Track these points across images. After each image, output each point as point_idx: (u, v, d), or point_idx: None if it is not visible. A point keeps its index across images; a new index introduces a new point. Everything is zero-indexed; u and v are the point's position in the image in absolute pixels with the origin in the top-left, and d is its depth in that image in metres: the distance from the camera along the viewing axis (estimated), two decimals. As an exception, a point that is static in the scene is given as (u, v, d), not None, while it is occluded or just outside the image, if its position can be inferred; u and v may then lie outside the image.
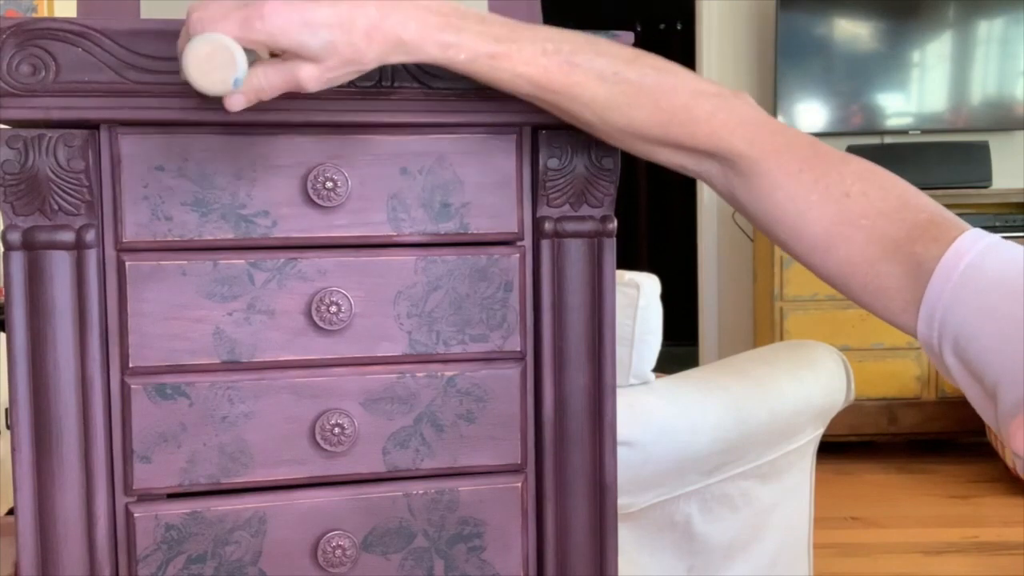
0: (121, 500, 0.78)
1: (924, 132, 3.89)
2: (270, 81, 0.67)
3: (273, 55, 0.68)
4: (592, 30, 0.80)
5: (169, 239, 0.76)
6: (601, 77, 0.72)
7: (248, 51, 0.65)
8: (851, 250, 0.73)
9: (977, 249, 0.69)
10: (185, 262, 0.76)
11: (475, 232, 0.81)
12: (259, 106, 0.75)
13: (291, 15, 0.65)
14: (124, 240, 0.76)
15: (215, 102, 0.76)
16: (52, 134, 0.73)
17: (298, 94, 0.75)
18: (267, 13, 0.64)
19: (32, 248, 0.74)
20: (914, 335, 0.72)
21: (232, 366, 0.78)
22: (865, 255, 0.73)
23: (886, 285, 0.73)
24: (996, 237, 0.71)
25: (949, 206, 0.75)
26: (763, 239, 3.73)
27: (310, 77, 0.67)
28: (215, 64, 0.63)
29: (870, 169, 0.75)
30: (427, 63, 0.70)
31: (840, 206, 0.73)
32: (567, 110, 0.74)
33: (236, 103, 0.67)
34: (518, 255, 0.83)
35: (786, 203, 0.75)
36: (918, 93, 3.92)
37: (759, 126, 0.75)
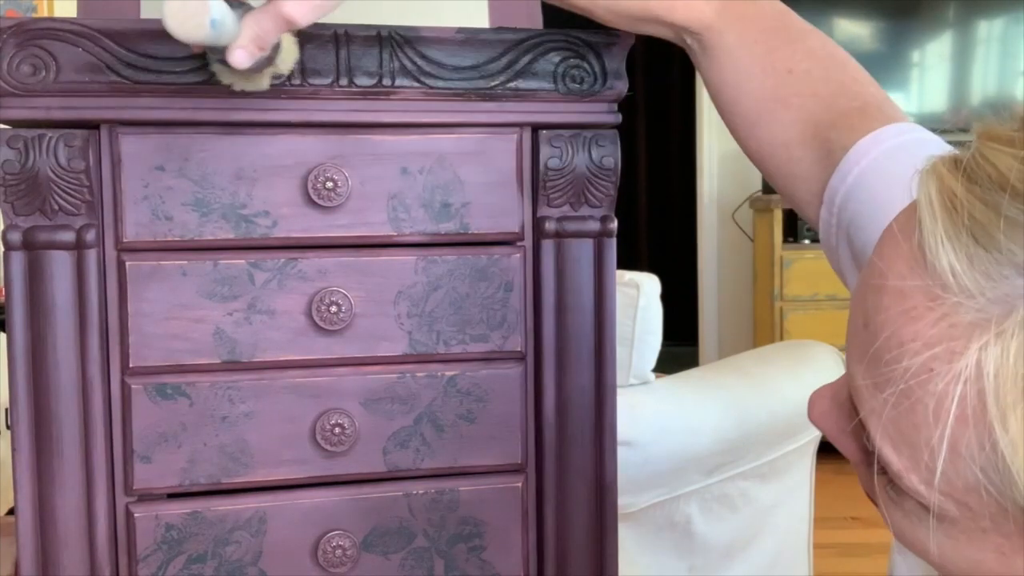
0: (121, 500, 0.78)
1: (924, 132, 3.89)
2: (263, 26, 0.64)
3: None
4: (592, 30, 0.80)
5: (169, 239, 0.76)
6: None
7: (236, 2, 0.63)
8: (775, 129, 0.71)
9: (900, 141, 0.65)
10: (185, 262, 0.76)
11: (475, 232, 0.81)
12: (259, 106, 0.76)
13: None
14: (124, 240, 0.76)
15: (216, 102, 0.76)
16: (52, 134, 0.73)
17: (300, 92, 0.75)
18: None
19: (32, 248, 0.74)
20: (817, 227, 0.70)
21: (232, 366, 0.78)
22: (787, 136, 0.70)
23: (797, 171, 0.71)
24: (931, 136, 0.67)
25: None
26: (763, 239, 3.73)
27: (298, 11, 0.64)
28: (189, 11, 0.61)
29: (826, 49, 0.72)
30: None
31: (778, 81, 0.71)
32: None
33: (239, 58, 0.64)
34: (518, 255, 0.83)
35: (731, 74, 0.73)
36: (918, 93, 3.93)
37: None
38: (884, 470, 0.42)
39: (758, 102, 0.72)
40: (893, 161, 0.64)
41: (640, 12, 0.73)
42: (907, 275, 0.40)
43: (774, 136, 0.71)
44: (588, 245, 0.83)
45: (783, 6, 0.74)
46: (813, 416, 0.50)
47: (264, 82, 0.71)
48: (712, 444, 1.64)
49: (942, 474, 0.39)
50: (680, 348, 4.17)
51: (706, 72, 0.75)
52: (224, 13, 0.62)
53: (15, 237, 0.73)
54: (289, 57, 0.71)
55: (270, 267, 0.78)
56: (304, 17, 0.64)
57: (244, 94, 0.74)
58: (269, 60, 0.68)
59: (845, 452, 0.48)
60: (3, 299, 0.76)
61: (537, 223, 0.83)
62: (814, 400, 0.50)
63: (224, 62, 0.65)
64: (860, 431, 0.44)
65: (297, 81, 0.75)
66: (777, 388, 1.78)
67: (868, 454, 0.44)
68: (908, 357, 0.39)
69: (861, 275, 0.45)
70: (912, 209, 0.42)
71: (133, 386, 0.76)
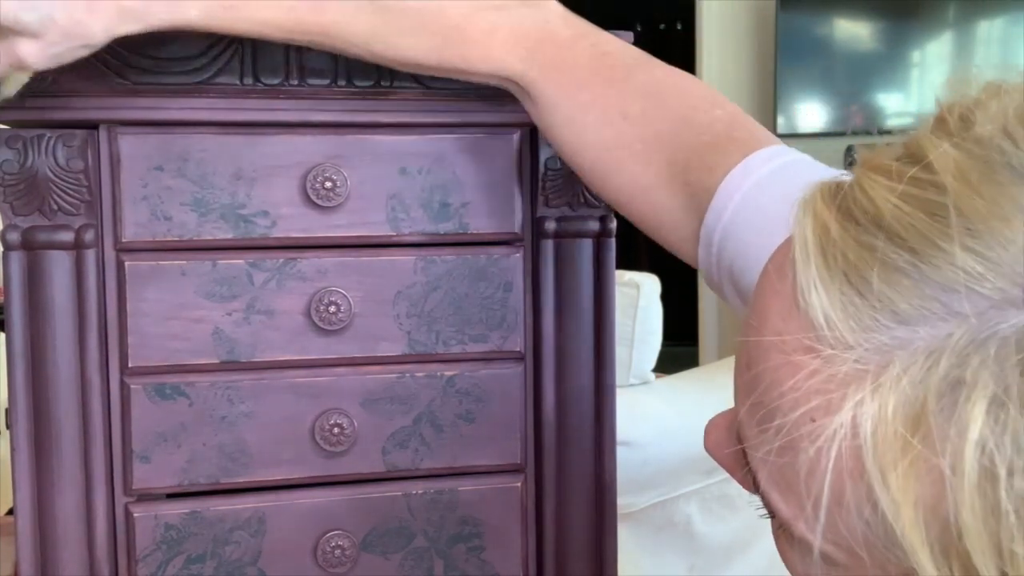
0: (121, 500, 0.78)
1: (924, 132, 3.89)
2: None
3: None
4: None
5: (168, 239, 0.76)
6: (358, 8, 0.66)
7: None
8: (624, 178, 0.66)
9: (769, 168, 0.61)
10: (184, 262, 0.76)
11: (475, 232, 0.81)
12: (258, 106, 0.76)
13: None
14: (123, 240, 0.75)
15: (216, 102, 0.76)
16: (51, 134, 0.73)
17: (299, 93, 0.75)
18: None
19: (31, 248, 0.74)
20: (696, 266, 0.66)
21: (232, 366, 0.78)
22: (640, 183, 0.66)
23: (664, 217, 0.66)
24: (803, 157, 0.62)
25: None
26: (763, 239, 3.72)
27: (30, 53, 0.62)
28: None
29: (658, 83, 0.67)
30: (159, 29, 0.64)
31: (616, 129, 0.66)
32: (332, 48, 0.68)
33: None
34: (518, 255, 0.83)
35: (563, 126, 0.68)
36: (918, 93, 3.93)
37: (540, 41, 0.67)
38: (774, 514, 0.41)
39: (602, 153, 0.67)
40: (766, 193, 0.60)
41: (434, 62, 0.69)
42: (784, 322, 0.38)
43: (626, 185, 0.67)
44: (587, 245, 0.83)
45: (601, 43, 0.68)
46: (708, 445, 0.48)
47: None
48: (712, 444, 1.64)
49: (829, 525, 0.37)
50: (680, 348, 4.17)
51: (537, 122, 0.71)
52: None
53: (14, 237, 0.73)
54: (14, 85, 0.69)
55: (269, 267, 0.78)
56: (40, 63, 0.63)
57: (243, 94, 0.74)
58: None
59: (741, 484, 0.46)
60: (2, 299, 0.76)
61: (536, 223, 0.82)
62: (710, 429, 0.48)
63: None
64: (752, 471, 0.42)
65: (296, 81, 0.75)
66: (777, 388, 1.78)
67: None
68: (785, 411, 0.37)
69: (747, 315, 0.42)
70: (787, 247, 0.39)
71: (132, 386, 0.76)
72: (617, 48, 0.68)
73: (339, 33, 0.66)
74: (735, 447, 0.43)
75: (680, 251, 0.67)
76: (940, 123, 0.38)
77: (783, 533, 0.42)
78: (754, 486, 0.42)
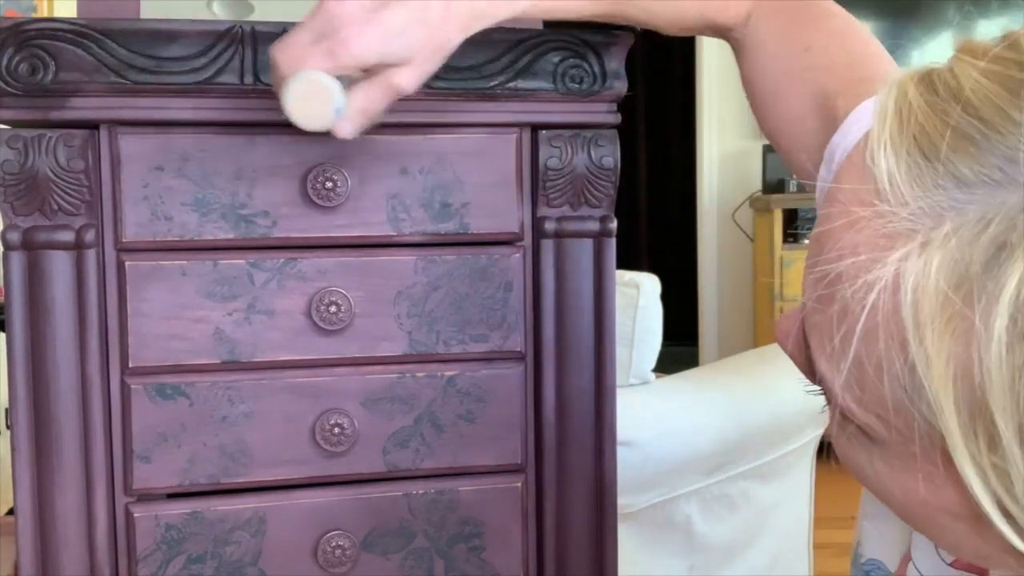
0: (121, 500, 0.78)
1: (924, 132, 3.89)
2: (371, 98, 0.67)
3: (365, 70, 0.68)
4: (592, 30, 0.80)
5: (169, 239, 0.76)
6: None
7: (341, 77, 0.65)
8: (790, 104, 0.72)
9: None
10: (185, 262, 0.76)
11: (475, 232, 0.81)
12: (259, 106, 0.76)
13: (371, 33, 0.64)
14: (124, 240, 0.75)
15: (216, 102, 0.76)
16: (52, 134, 0.73)
17: None
18: (347, 38, 0.64)
19: (32, 248, 0.74)
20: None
21: (232, 366, 0.78)
22: (799, 108, 0.71)
23: (804, 142, 0.70)
24: None
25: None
26: (763, 239, 3.73)
27: (407, 80, 0.66)
28: (314, 101, 0.64)
29: (847, 26, 0.73)
30: (504, 19, 0.70)
31: (795, 59, 0.72)
32: (623, 16, 0.75)
33: (344, 130, 0.67)
34: (518, 255, 0.83)
35: (758, 58, 0.75)
36: (918, 93, 3.92)
37: None
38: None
39: (775, 79, 0.73)
40: None
41: (696, 21, 0.76)
42: (853, 183, 0.39)
43: (790, 110, 0.72)
44: (588, 245, 0.83)
45: None
46: (778, 336, 0.48)
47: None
48: (712, 444, 1.64)
49: (869, 392, 0.38)
50: (680, 348, 4.17)
51: (741, 63, 0.77)
52: (343, 98, 0.64)
53: (14, 237, 0.73)
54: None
55: (270, 267, 0.78)
56: (415, 86, 0.67)
57: (243, 94, 0.74)
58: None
59: (805, 375, 0.46)
60: (2, 299, 0.76)
61: (537, 223, 0.82)
62: (781, 320, 0.48)
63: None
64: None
65: (297, 81, 0.75)
66: (777, 388, 1.78)
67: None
68: (837, 261, 0.38)
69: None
70: None
71: (133, 386, 0.76)
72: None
73: (636, 10, 0.74)
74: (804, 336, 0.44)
75: (810, 177, 0.71)
76: None
77: (839, 424, 0.42)
78: (810, 366, 0.43)
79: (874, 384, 0.38)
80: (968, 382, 0.35)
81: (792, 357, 0.47)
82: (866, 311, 0.37)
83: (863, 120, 0.64)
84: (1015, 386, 0.34)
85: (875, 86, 0.65)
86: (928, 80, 0.39)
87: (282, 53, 0.65)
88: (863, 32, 0.73)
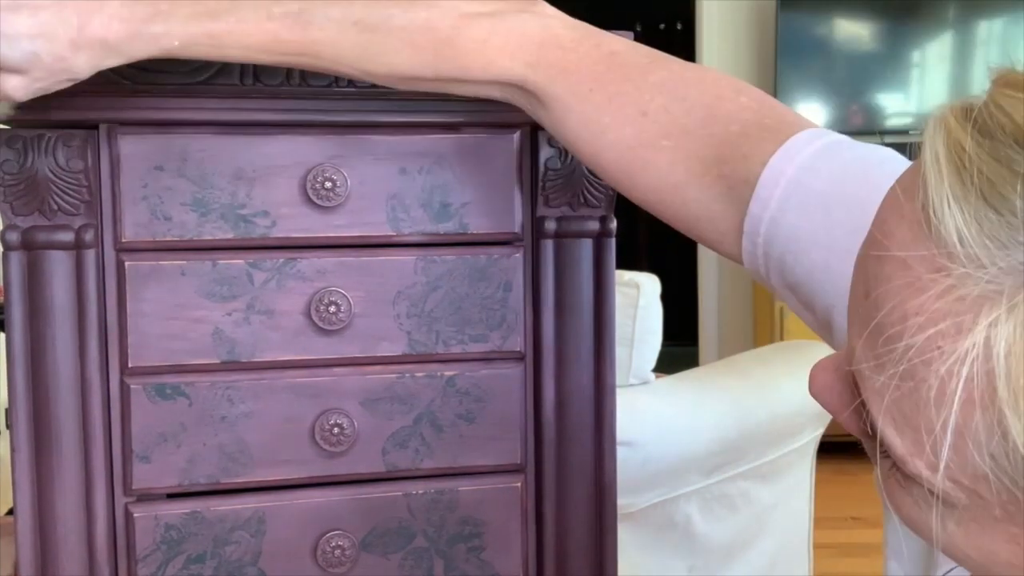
0: (121, 500, 0.78)
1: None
2: None
3: None
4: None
5: (168, 239, 0.76)
6: (341, 29, 0.65)
7: None
8: (652, 177, 0.64)
9: (811, 150, 0.58)
10: (184, 262, 0.76)
11: (475, 232, 0.81)
12: (258, 106, 0.76)
13: None
14: (123, 240, 0.75)
15: (216, 102, 0.76)
16: (51, 134, 0.73)
17: (299, 93, 0.75)
18: None
19: (31, 248, 0.74)
20: (741, 263, 0.63)
21: (232, 366, 0.78)
22: (670, 181, 0.64)
23: (699, 213, 0.64)
24: (841, 137, 0.60)
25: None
26: (763, 239, 3.72)
27: (15, 88, 0.63)
28: None
29: (675, 77, 0.65)
30: (144, 59, 0.65)
31: (637, 127, 0.64)
32: (321, 69, 0.68)
33: None
34: (518, 255, 0.82)
35: (579, 129, 0.65)
36: (918, 93, 3.93)
37: (543, 45, 0.65)
38: (888, 453, 0.39)
39: (624, 153, 0.65)
40: (814, 175, 0.58)
41: (430, 75, 0.66)
42: (911, 242, 0.36)
43: (656, 183, 0.65)
44: (587, 245, 0.83)
45: (606, 43, 0.66)
46: (814, 390, 0.46)
47: None
48: (712, 444, 1.64)
49: (949, 461, 0.36)
50: (680, 348, 4.17)
51: (550, 127, 0.68)
52: None
53: (14, 237, 0.73)
54: None
55: (269, 267, 0.78)
56: (24, 97, 0.64)
57: (243, 94, 0.74)
58: None
59: (848, 429, 0.44)
60: (2, 299, 0.76)
61: (536, 223, 0.82)
62: (815, 373, 0.46)
63: None
64: (863, 409, 0.40)
65: (296, 81, 0.75)
66: (777, 388, 1.78)
67: (871, 435, 0.40)
68: (911, 333, 0.35)
69: (863, 244, 0.41)
70: (916, 168, 0.37)
71: (132, 386, 0.76)
72: (625, 47, 0.67)
73: (323, 52, 0.65)
74: (846, 389, 0.42)
75: (719, 246, 0.65)
76: None
77: (894, 475, 0.40)
78: (864, 425, 0.40)
79: (958, 454, 0.36)
80: None
81: (833, 412, 0.44)
82: (958, 384, 0.34)
83: (779, 185, 0.59)
84: None
85: (762, 141, 0.60)
86: (978, 121, 0.36)
87: None
88: (690, 72, 0.65)
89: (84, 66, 0.64)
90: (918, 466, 0.37)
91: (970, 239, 0.34)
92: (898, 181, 0.39)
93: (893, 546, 0.61)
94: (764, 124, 0.62)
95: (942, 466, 0.36)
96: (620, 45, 0.67)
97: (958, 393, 0.34)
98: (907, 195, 0.37)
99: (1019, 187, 0.33)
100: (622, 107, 0.64)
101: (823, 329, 0.61)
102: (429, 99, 0.78)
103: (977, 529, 0.38)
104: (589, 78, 0.65)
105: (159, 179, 0.75)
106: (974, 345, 0.33)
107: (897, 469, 0.39)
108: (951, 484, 0.37)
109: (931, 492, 0.38)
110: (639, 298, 1.65)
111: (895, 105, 3.94)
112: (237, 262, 0.77)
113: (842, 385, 0.43)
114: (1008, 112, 0.35)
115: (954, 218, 0.34)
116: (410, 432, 0.81)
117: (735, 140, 0.61)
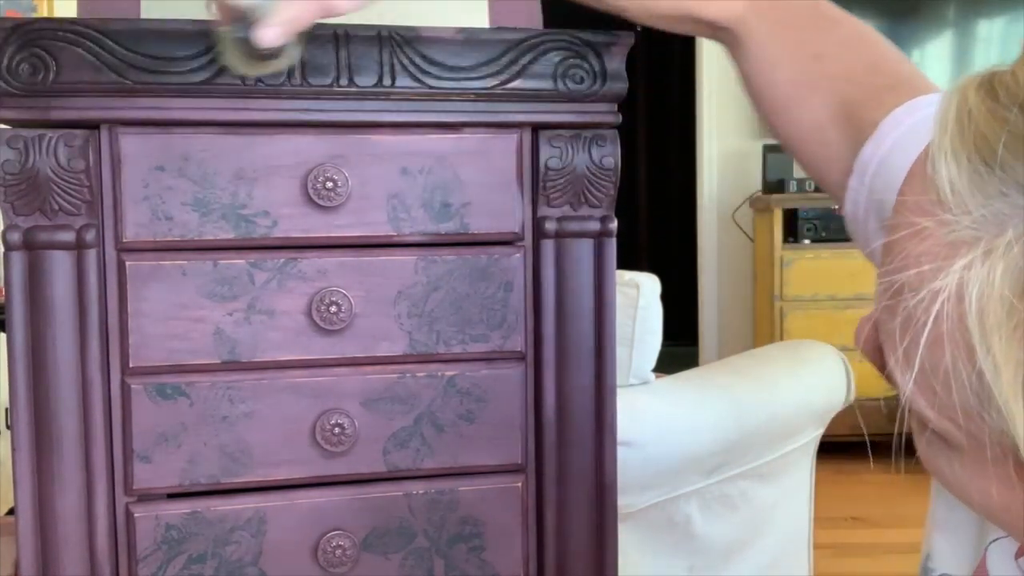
0: (121, 500, 0.78)
1: (924, 132, 3.89)
2: (301, 9, 0.63)
3: None
4: (592, 30, 0.80)
5: (169, 239, 0.76)
6: None
7: None
8: (805, 114, 0.70)
9: (934, 109, 0.66)
10: (185, 262, 0.76)
11: (475, 232, 0.81)
12: (259, 106, 0.76)
13: None
14: (124, 240, 0.76)
15: (216, 102, 0.76)
16: (52, 134, 0.73)
17: (300, 92, 0.75)
18: None
19: (32, 248, 0.74)
20: (844, 204, 0.69)
21: (232, 366, 0.78)
22: (818, 119, 0.69)
23: (830, 153, 0.69)
24: None
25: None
26: (763, 239, 3.73)
27: (346, 1, 0.64)
28: None
29: (858, 32, 0.72)
30: None
31: (807, 67, 0.70)
32: (594, 4, 0.73)
33: (269, 36, 0.63)
34: (518, 255, 0.83)
35: (763, 63, 0.72)
36: (918, 93, 3.92)
37: None
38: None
39: (788, 88, 0.71)
40: (928, 129, 0.64)
41: (673, 11, 0.74)
42: (919, 194, 0.39)
43: (805, 121, 0.71)
44: (588, 245, 0.83)
45: None
46: (859, 342, 0.48)
47: (266, 71, 0.70)
48: (712, 444, 1.64)
49: (942, 398, 0.38)
50: (680, 348, 4.17)
51: (740, 65, 0.75)
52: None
53: (15, 237, 0.73)
54: (295, 53, 0.70)
55: (270, 267, 0.78)
56: (348, 7, 0.65)
57: (244, 94, 0.74)
58: (281, 51, 0.67)
59: (889, 382, 0.46)
60: (2, 299, 0.76)
61: (537, 223, 0.82)
62: (860, 327, 0.48)
63: (240, 39, 0.63)
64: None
65: (297, 81, 0.75)
66: (777, 388, 1.78)
67: None
68: (901, 271, 0.38)
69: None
70: None
71: (133, 386, 0.76)
72: (827, 3, 0.74)
73: None
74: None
75: (836, 189, 0.69)
76: None
77: (917, 427, 0.42)
78: (885, 370, 0.43)
79: (948, 392, 0.37)
80: None
81: (869, 359, 0.47)
82: (931, 320, 0.36)
83: (897, 130, 0.63)
84: None
85: (901, 94, 0.65)
86: (989, 85, 0.38)
87: None
88: (874, 36, 0.72)
89: None
90: (921, 405, 0.39)
91: (960, 189, 0.37)
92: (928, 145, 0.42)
93: (940, 520, 0.62)
94: (912, 83, 0.67)
95: (937, 403, 0.38)
96: (825, 2, 0.74)
97: (932, 329, 0.37)
98: (924, 155, 0.40)
99: (1004, 140, 0.36)
100: (803, 48, 0.71)
101: None
102: (429, 99, 0.78)
103: (976, 470, 0.40)
104: (788, 20, 0.72)
105: (160, 179, 0.75)
106: (946, 286, 0.36)
107: (914, 414, 0.41)
108: (949, 423, 0.39)
109: (938, 434, 0.40)
110: (639, 298, 1.65)
111: (895, 105, 3.94)
112: (238, 262, 0.77)
113: (874, 335, 0.45)
114: (1017, 77, 0.37)
115: (948, 168, 0.37)
116: (411, 432, 0.82)
117: (881, 90, 0.66)
